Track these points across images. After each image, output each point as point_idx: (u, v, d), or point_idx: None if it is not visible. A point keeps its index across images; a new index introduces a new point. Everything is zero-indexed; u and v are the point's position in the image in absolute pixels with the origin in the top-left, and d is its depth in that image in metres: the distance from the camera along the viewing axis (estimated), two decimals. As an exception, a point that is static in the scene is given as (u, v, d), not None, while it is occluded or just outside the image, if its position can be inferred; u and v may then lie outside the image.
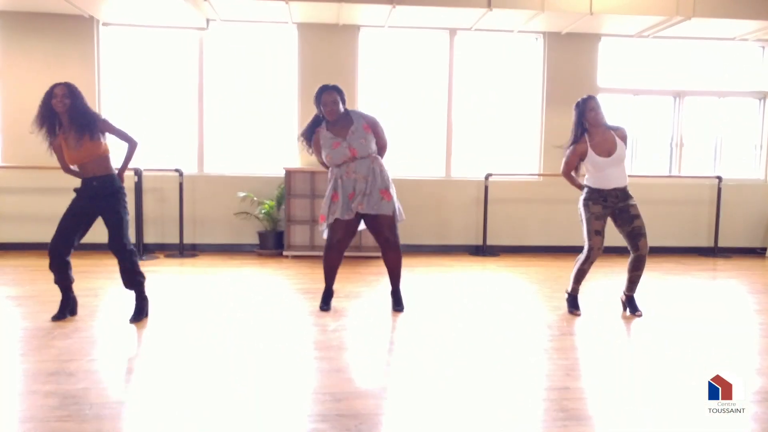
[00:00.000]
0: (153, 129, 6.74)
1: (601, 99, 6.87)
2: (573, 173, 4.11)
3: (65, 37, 6.36)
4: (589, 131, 3.97)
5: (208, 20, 6.52)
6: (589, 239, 3.99)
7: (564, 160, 4.06)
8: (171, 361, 3.07)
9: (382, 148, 4.12)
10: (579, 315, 4.07)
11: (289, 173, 6.45)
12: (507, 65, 7.04)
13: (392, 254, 4.05)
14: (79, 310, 3.94)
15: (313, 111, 6.52)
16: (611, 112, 7.04)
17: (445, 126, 6.88)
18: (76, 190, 3.71)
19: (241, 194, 6.51)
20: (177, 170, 6.38)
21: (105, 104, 6.55)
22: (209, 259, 6.20)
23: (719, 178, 6.92)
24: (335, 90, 3.96)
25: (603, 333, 3.73)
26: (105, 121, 3.70)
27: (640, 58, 7.08)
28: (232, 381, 2.80)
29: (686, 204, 7.06)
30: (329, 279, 4.14)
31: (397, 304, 4.11)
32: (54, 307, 3.80)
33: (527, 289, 5.06)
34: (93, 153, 3.63)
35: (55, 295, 3.83)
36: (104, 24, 6.50)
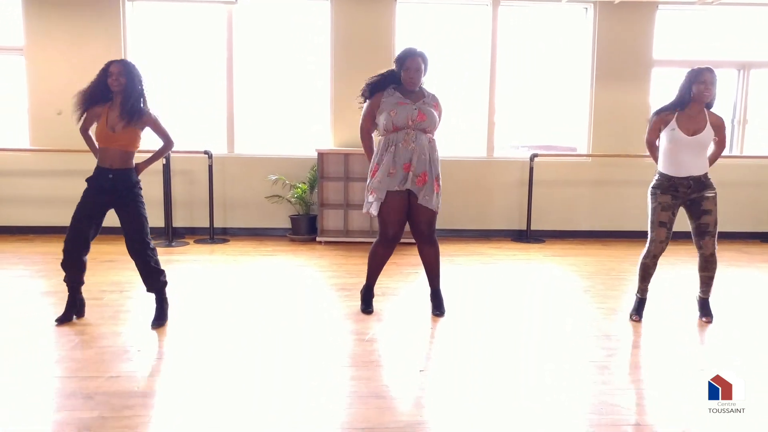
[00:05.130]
0: (181, 108, 6.50)
1: (656, 73, 6.51)
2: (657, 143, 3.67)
3: (90, 15, 6.11)
4: (688, 105, 3.51)
5: (236, -7, 6.19)
6: (652, 230, 3.59)
7: (648, 127, 3.65)
8: (194, 380, 2.84)
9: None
10: (637, 321, 3.69)
11: (322, 155, 6.15)
12: (554, 38, 6.54)
13: (428, 249, 3.71)
14: (104, 309, 3.76)
15: (346, 88, 6.24)
16: (667, 86, 6.54)
17: (487, 103, 6.45)
18: (88, 180, 3.44)
19: (273, 177, 6.25)
20: (206, 152, 6.13)
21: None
22: (240, 245, 5.98)
23: (787, 159, 6.37)
24: (422, 57, 3.58)
25: (671, 346, 3.37)
26: (150, 116, 3.44)
27: (701, 26, 6.49)
28: (259, 404, 2.55)
29: (750, 186, 6.52)
30: (373, 277, 3.81)
31: (438, 308, 3.78)
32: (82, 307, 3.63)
33: (578, 285, 4.68)
34: (124, 142, 3.38)
35: (85, 291, 3.65)
36: (129, -1, 6.23)
